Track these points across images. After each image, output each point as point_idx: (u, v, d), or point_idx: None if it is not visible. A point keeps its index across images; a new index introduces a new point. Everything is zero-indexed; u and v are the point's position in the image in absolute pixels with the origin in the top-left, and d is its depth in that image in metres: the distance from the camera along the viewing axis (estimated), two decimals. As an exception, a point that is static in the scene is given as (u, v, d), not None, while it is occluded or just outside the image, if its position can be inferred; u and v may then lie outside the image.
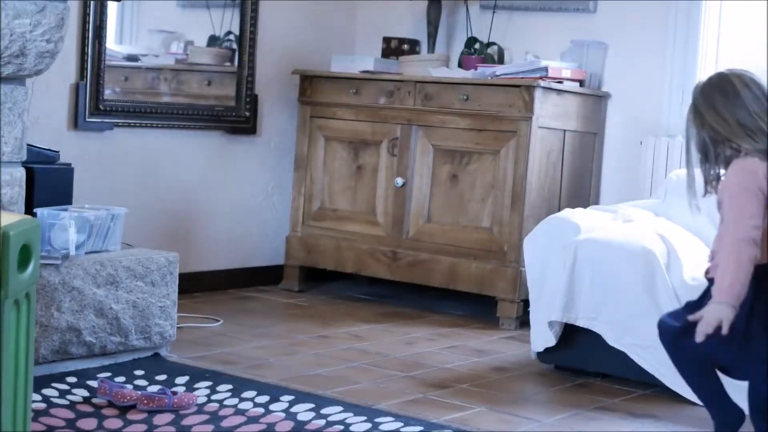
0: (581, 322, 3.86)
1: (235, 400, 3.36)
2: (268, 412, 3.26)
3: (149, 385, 3.47)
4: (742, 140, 2.88)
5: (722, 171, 2.94)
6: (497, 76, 4.80)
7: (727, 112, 2.89)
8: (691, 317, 2.86)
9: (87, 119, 4.55)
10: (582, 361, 3.94)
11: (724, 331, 2.78)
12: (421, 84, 4.93)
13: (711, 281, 2.93)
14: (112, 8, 4.64)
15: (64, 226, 3.62)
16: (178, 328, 4.05)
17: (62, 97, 4.49)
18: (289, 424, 3.15)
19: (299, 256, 5.25)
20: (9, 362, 2.12)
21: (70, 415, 3.13)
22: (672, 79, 4.88)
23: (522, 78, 4.73)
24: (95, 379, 3.46)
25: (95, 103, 4.56)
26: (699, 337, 2.81)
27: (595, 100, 5.01)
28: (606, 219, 4.12)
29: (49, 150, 3.92)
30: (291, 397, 3.40)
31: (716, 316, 2.79)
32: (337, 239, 5.17)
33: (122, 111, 4.68)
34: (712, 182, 2.97)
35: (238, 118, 5.15)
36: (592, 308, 3.83)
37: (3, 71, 3.36)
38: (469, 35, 5.30)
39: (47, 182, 3.79)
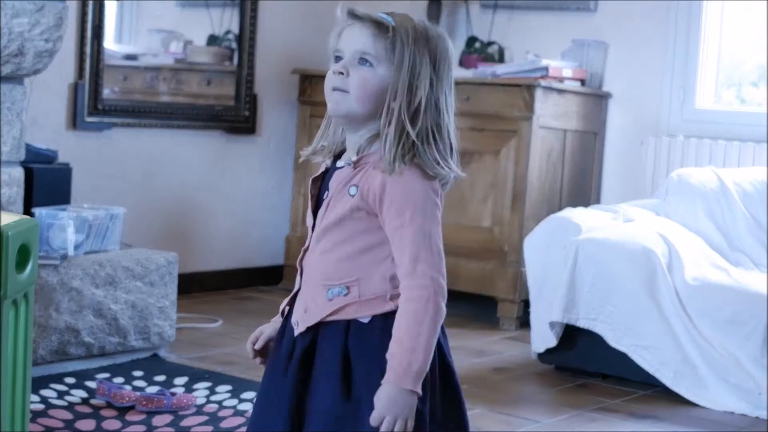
0: (582, 323, 3.85)
1: (234, 401, 3.34)
2: (267, 413, 3.25)
3: (148, 385, 3.45)
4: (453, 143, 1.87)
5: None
6: (498, 75, 4.78)
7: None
8: (373, 420, 1.76)
9: (86, 119, 4.53)
10: (583, 361, 3.93)
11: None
12: (421, 83, 4.91)
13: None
14: (110, 7, 4.63)
15: (63, 226, 3.60)
16: (177, 328, 4.03)
17: (61, 96, 4.47)
18: (289, 425, 3.14)
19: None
20: (7, 363, 2.11)
21: (69, 416, 3.12)
22: (673, 78, 4.87)
23: (522, 77, 4.72)
24: (94, 379, 3.44)
25: (94, 102, 4.55)
26: None
27: (596, 99, 4.99)
28: (607, 219, 4.10)
29: (47, 150, 3.91)
30: (291, 398, 3.38)
31: (409, 412, 1.76)
32: (336, 239, 5.14)
33: (121, 111, 4.67)
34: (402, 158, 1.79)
35: (238, 118, 5.14)
36: (593, 309, 3.81)
37: (2, 71, 3.35)
38: (470, 34, 5.29)
39: (46, 182, 3.78)
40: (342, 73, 1.82)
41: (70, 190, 3.88)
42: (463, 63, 5.15)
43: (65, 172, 3.88)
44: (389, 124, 1.78)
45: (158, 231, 4.84)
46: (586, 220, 4.01)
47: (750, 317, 3.62)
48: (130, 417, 3.14)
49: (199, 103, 5.03)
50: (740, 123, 4.72)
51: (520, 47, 5.18)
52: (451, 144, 1.84)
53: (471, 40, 5.23)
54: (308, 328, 1.85)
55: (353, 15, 1.83)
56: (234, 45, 5.13)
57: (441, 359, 1.83)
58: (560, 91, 4.77)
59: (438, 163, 1.80)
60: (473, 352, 4.24)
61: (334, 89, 1.83)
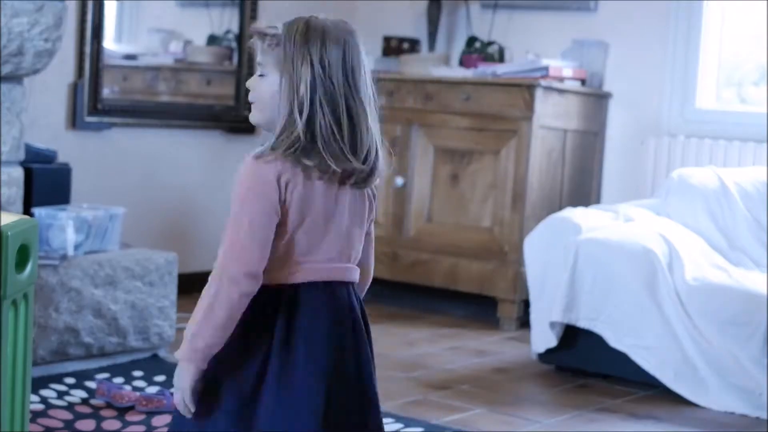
0: (582, 323, 3.84)
1: (234, 402, 3.33)
2: (267, 413, 3.24)
3: (148, 386, 3.45)
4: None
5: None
6: (498, 75, 4.78)
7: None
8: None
9: (85, 119, 4.53)
10: (583, 361, 3.93)
11: (182, 409, 2.02)
12: (422, 83, 4.91)
13: None
14: (110, 7, 4.63)
15: (62, 226, 3.60)
16: (177, 328, 4.03)
17: (60, 96, 4.47)
18: (289, 426, 3.13)
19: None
20: (7, 363, 2.11)
21: (69, 416, 3.11)
22: (673, 78, 4.87)
23: (523, 77, 4.71)
24: (93, 380, 3.44)
25: (93, 102, 4.54)
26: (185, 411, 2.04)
27: (596, 99, 4.99)
28: (607, 219, 4.10)
29: (47, 150, 3.90)
30: (291, 398, 3.38)
31: (181, 385, 2.02)
32: (336, 239, 5.14)
33: (121, 110, 4.66)
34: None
35: (238, 118, 5.13)
36: (593, 309, 3.81)
37: (1, 70, 3.34)
38: (470, 34, 5.28)
39: (45, 182, 3.77)
40: (249, 90, 1.95)
41: (69, 190, 3.87)
42: (463, 63, 5.15)
43: (65, 172, 3.87)
44: (280, 123, 1.86)
45: (158, 231, 4.84)
46: (586, 220, 4.01)
47: (750, 317, 3.62)
48: (130, 417, 3.14)
49: (199, 103, 5.03)
50: (741, 123, 4.72)
51: (520, 47, 5.18)
52: (356, 133, 1.86)
53: (471, 40, 5.22)
54: None
55: (253, 32, 1.97)
56: (234, 45, 5.13)
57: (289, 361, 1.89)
58: (560, 91, 4.77)
59: (326, 156, 1.83)
60: (474, 352, 4.24)
61: (250, 103, 1.95)
